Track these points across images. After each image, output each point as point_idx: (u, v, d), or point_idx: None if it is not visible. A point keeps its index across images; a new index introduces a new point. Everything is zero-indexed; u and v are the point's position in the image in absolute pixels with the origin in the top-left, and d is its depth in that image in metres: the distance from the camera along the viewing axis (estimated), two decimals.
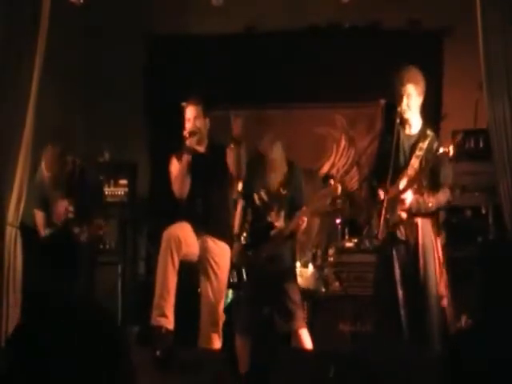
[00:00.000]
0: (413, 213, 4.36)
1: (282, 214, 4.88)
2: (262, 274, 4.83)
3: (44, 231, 5.07)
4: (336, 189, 4.67)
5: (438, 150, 4.31)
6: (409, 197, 4.33)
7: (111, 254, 5.79)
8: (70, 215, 5.02)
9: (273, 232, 4.84)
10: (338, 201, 5.17)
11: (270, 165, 4.91)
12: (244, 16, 6.66)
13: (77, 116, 6.43)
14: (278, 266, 4.83)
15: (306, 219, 4.74)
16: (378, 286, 4.62)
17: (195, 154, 4.80)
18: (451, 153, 4.27)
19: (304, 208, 4.78)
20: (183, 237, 4.66)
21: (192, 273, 4.85)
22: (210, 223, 4.77)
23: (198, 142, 4.83)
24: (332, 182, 4.80)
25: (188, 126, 4.80)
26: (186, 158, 4.75)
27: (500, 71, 4.67)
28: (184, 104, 4.92)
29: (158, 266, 4.63)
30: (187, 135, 4.75)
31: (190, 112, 4.83)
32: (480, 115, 5.45)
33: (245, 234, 4.96)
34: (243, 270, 4.95)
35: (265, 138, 5.03)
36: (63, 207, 5.01)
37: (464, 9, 5.11)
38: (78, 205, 5.04)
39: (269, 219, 4.89)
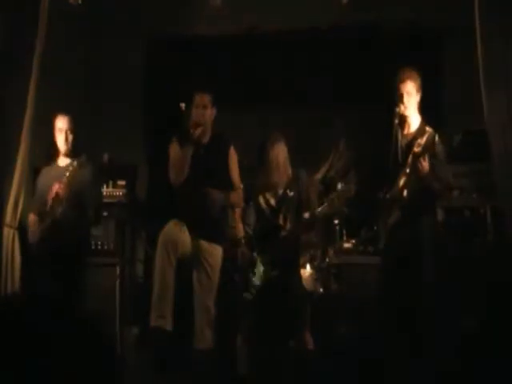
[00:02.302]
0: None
1: (290, 216, 4.87)
2: (267, 275, 4.84)
3: (34, 234, 4.95)
4: (351, 190, 4.67)
5: (434, 145, 4.33)
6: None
7: (109, 256, 5.78)
8: (60, 192, 4.88)
9: (284, 234, 4.83)
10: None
11: (273, 165, 4.88)
12: (244, 17, 6.65)
13: (76, 117, 6.42)
14: (286, 268, 4.83)
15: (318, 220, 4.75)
16: (383, 288, 4.63)
17: (197, 146, 4.77)
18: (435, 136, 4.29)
19: (315, 209, 4.78)
20: (179, 237, 4.67)
21: (189, 273, 4.84)
22: (204, 228, 4.73)
23: (203, 133, 4.77)
24: (345, 184, 4.81)
25: (195, 113, 4.76)
26: (189, 148, 4.70)
27: (499, 72, 4.68)
28: (182, 106, 4.89)
29: (156, 268, 4.63)
30: (193, 126, 4.71)
31: (199, 100, 4.79)
32: (479, 116, 5.42)
33: (244, 236, 4.95)
34: (249, 272, 4.94)
35: (269, 137, 5.00)
36: (55, 188, 4.93)
37: (464, 9, 5.10)
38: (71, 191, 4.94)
39: (277, 222, 4.88)
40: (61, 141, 5.07)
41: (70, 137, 5.05)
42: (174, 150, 4.81)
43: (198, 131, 4.70)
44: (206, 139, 4.85)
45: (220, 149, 4.87)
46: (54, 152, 5.17)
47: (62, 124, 5.06)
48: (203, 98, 4.80)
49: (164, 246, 4.60)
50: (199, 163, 4.74)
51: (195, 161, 4.74)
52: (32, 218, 5.03)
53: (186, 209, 4.74)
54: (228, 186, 4.84)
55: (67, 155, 5.09)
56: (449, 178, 4.57)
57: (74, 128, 5.07)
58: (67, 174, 4.88)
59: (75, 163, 4.93)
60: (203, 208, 4.70)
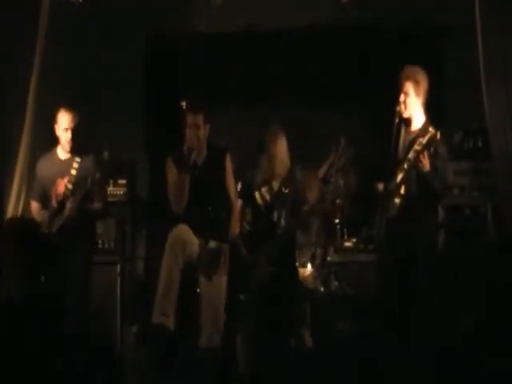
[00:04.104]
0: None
1: (284, 213, 4.87)
2: (265, 274, 4.84)
3: (39, 217, 4.97)
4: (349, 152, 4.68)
5: (437, 145, 4.34)
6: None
7: (110, 254, 5.80)
8: (69, 186, 4.96)
9: (279, 231, 4.83)
10: (338, 200, 5.18)
11: (272, 158, 4.87)
12: (244, 15, 6.65)
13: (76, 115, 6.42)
14: (282, 266, 4.84)
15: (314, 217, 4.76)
16: (379, 286, 4.64)
17: (193, 168, 4.75)
18: (438, 136, 4.31)
19: (310, 206, 4.79)
20: (188, 238, 4.68)
21: (192, 273, 4.85)
22: (207, 229, 4.74)
23: (198, 155, 4.76)
24: (340, 180, 4.82)
25: (188, 135, 4.72)
26: (186, 176, 4.68)
27: (499, 71, 4.70)
28: (183, 104, 4.87)
29: (163, 266, 4.62)
30: (187, 152, 4.68)
31: (191, 120, 4.74)
32: (479, 115, 5.43)
33: (241, 234, 4.96)
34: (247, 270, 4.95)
35: (268, 130, 5.00)
36: (62, 184, 4.96)
37: (464, 9, 5.11)
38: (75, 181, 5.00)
39: (272, 219, 4.88)
40: (65, 140, 5.07)
41: (73, 136, 5.06)
42: (172, 173, 4.79)
43: (193, 157, 4.69)
44: (201, 160, 4.83)
45: (215, 165, 4.84)
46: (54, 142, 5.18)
47: (67, 123, 5.05)
48: (196, 119, 4.74)
49: (172, 246, 4.61)
50: (196, 185, 4.72)
51: (192, 183, 4.72)
52: (34, 205, 5.07)
53: (191, 214, 4.74)
54: (225, 203, 4.85)
55: (70, 152, 5.12)
56: (449, 179, 4.56)
57: (77, 125, 5.07)
58: (73, 171, 4.92)
59: (78, 159, 4.97)
60: (207, 211, 4.73)
